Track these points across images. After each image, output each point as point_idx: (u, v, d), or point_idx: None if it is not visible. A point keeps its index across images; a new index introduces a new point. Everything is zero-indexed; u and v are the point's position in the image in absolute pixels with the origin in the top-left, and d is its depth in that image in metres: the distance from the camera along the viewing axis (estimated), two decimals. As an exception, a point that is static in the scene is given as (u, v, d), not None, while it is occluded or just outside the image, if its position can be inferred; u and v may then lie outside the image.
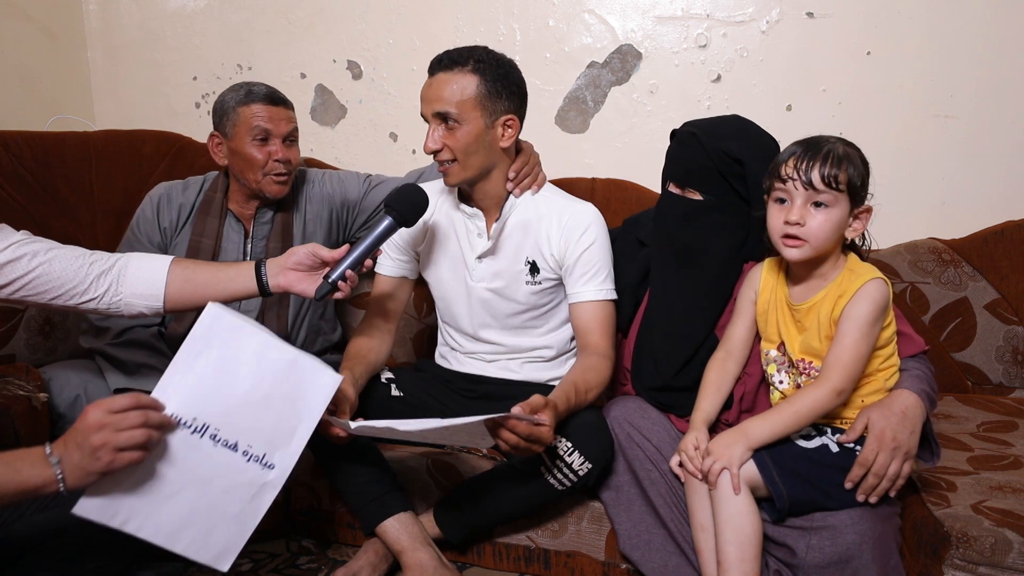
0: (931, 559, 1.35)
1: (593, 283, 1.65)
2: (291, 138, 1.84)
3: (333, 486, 1.72)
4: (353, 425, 1.39)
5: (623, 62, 2.40)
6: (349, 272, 1.44)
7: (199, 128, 2.72)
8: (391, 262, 1.77)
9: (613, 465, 1.58)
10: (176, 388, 1.15)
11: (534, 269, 1.69)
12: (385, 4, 2.53)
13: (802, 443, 1.40)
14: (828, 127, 2.25)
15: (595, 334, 1.63)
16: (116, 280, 1.41)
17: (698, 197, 1.56)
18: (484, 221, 1.69)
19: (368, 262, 1.48)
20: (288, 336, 1.95)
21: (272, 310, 1.91)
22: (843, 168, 1.32)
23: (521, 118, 1.63)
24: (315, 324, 2.03)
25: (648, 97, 2.40)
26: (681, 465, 1.46)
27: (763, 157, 1.49)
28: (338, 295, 1.45)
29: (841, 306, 1.35)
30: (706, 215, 1.56)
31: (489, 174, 1.64)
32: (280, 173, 1.82)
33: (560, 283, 1.71)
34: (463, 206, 1.70)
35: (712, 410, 1.50)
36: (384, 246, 1.67)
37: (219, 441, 1.18)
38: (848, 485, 1.35)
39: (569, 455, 1.49)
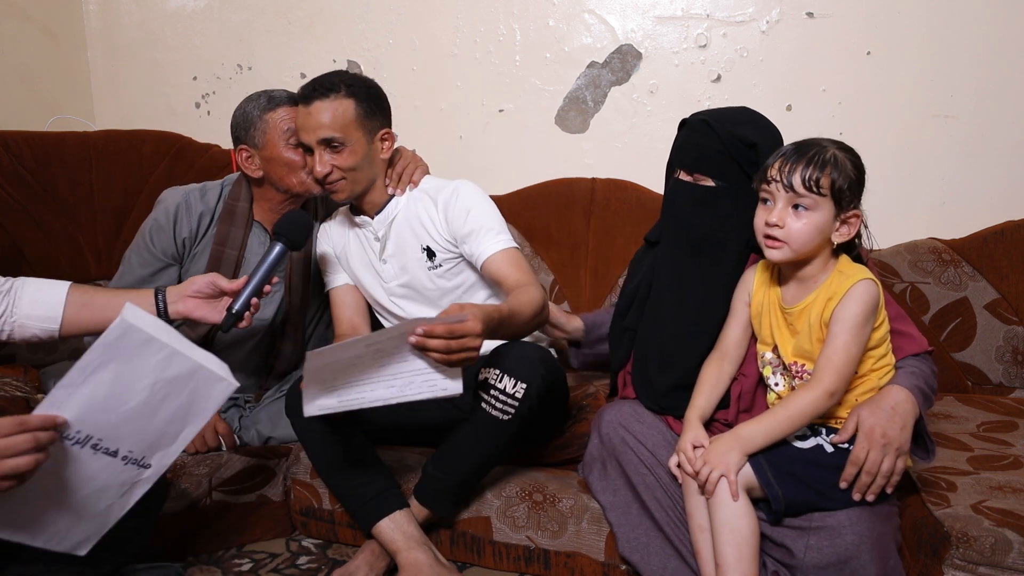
0: (931, 559, 1.35)
1: (488, 238, 1.70)
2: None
3: (329, 489, 1.72)
4: (307, 412, 1.38)
5: (623, 62, 2.40)
6: (253, 300, 1.55)
7: (199, 128, 2.72)
8: (334, 276, 1.88)
9: (609, 472, 1.58)
10: (65, 401, 1.11)
11: (431, 254, 1.76)
12: (385, 4, 2.53)
13: (797, 444, 1.40)
14: (828, 127, 2.26)
15: (511, 276, 1.67)
16: (13, 301, 1.41)
17: (710, 183, 1.55)
18: (373, 225, 1.79)
19: (267, 287, 1.57)
20: (301, 350, 1.96)
21: (293, 318, 1.93)
22: (826, 172, 1.32)
23: (391, 128, 1.75)
24: (323, 335, 2.05)
25: (648, 97, 2.40)
26: (680, 466, 1.45)
27: (773, 143, 1.52)
28: (242, 324, 1.55)
29: (831, 308, 1.34)
30: (719, 201, 1.56)
31: (374, 184, 1.74)
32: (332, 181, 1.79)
33: (461, 259, 1.77)
34: (354, 218, 1.81)
35: (707, 407, 1.49)
36: (323, 270, 1.87)
37: (99, 449, 1.15)
38: (843, 485, 1.35)
39: (500, 382, 1.50)
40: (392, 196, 1.78)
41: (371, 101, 1.68)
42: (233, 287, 1.53)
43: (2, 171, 2.09)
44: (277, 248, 1.59)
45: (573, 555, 1.64)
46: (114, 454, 1.17)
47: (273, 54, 2.66)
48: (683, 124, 1.61)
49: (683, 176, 1.59)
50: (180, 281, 1.81)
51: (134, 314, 1.18)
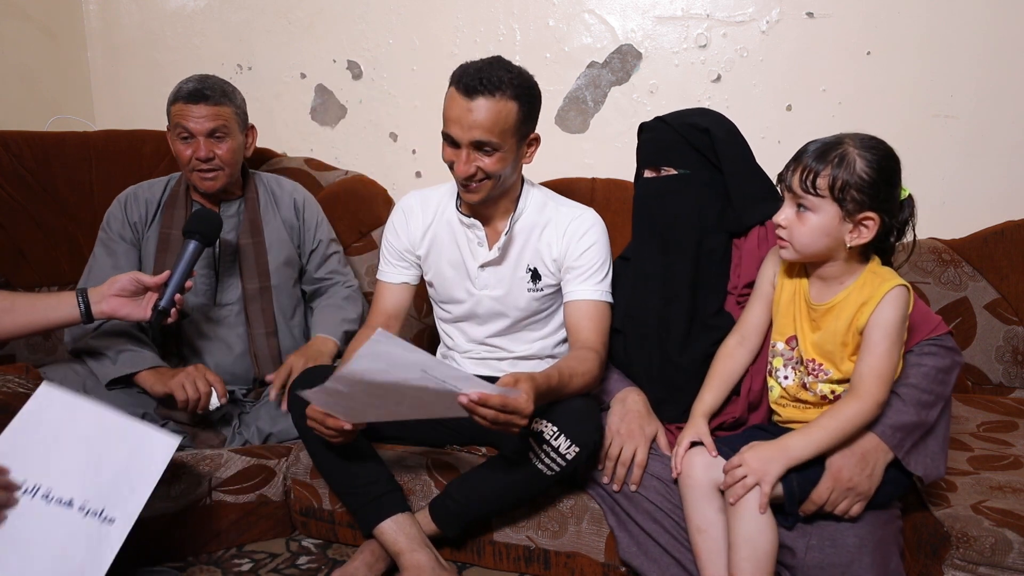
0: (931, 559, 1.35)
1: (589, 283, 1.66)
2: (218, 134, 1.83)
3: (331, 488, 1.72)
4: (308, 393, 1.35)
5: (623, 62, 2.40)
6: (177, 296, 1.62)
7: (199, 128, 2.71)
8: (393, 270, 1.79)
9: (605, 486, 1.59)
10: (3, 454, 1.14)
11: (535, 276, 1.70)
12: (385, 4, 2.53)
13: None
14: (828, 127, 2.24)
15: (584, 330, 1.63)
16: None
17: (674, 172, 1.60)
18: (483, 231, 1.70)
19: (189, 283, 1.66)
20: (275, 333, 1.98)
21: (255, 302, 1.95)
22: (824, 172, 1.28)
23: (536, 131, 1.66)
24: (300, 323, 2.08)
25: (648, 97, 2.40)
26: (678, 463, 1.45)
27: (726, 127, 1.60)
28: (169, 320, 1.62)
29: (866, 314, 1.30)
30: (684, 188, 1.58)
31: (506, 190, 1.66)
32: (203, 170, 1.84)
33: (559, 287, 1.72)
34: (460, 216, 1.71)
35: (714, 402, 1.48)
36: (384, 254, 1.79)
37: (52, 499, 1.15)
38: (802, 514, 1.35)
39: (555, 439, 1.48)
40: (516, 205, 1.68)
41: (532, 103, 1.57)
42: (155, 282, 1.61)
43: (2, 171, 2.09)
44: (191, 245, 1.67)
45: (573, 555, 1.63)
46: (69, 504, 1.17)
47: (273, 54, 2.66)
48: (641, 129, 1.67)
49: (648, 174, 1.64)
50: (140, 263, 1.92)
51: (52, 389, 1.23)
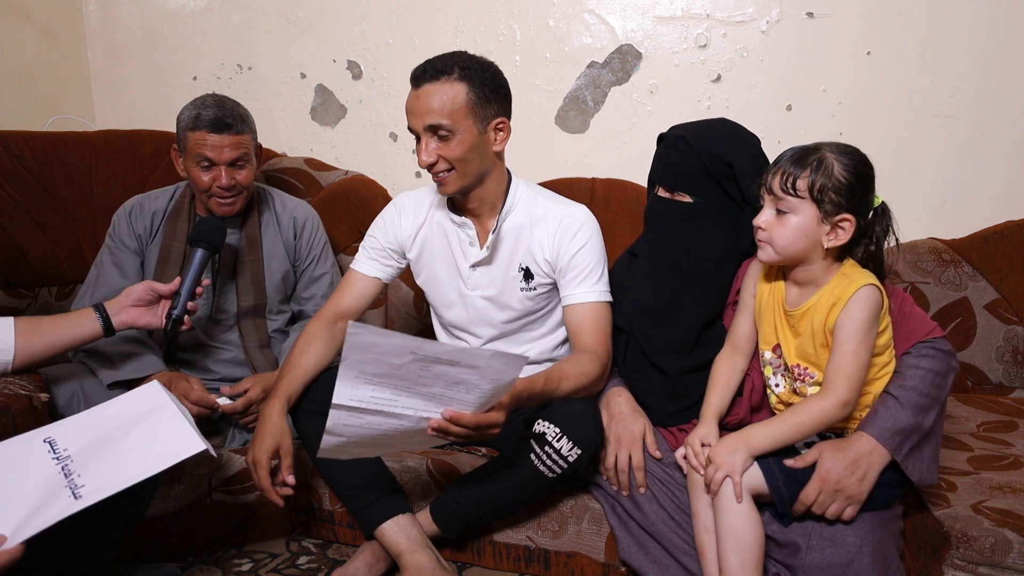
0: (931, 559, 1.35)
1: (586, 284, 1.65)
2: (239, 163, 1.83)
3: (332, 489, 1.72)
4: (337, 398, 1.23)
5: (623, 62, 2.40)
6: (190, 304, 1.64)
7: (199, 128, 2.71)
8: (369, 262, 1.76)
9: (602, 467, 1.59)
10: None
11: (528, 275, 1.69)
12: (385, 4, 2.53)
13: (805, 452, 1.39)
14: (828, 127, 2.26)
15: (585, 334, 1.63)
16: None
17: (688, 200, 1.57)
18: (475, 230, 1.69)
19: (200, 289, 1.67)
20: (269, 345, 1.99)
21: (248, 317, 1.96)
22: (804, 174, 1.31)
23: (510, 118, 1.63)
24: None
25: (648, 97, 2.40)
26: (686, 459, 1.45)
27: (752, 158, 1.54)
28: (183, 328, 1.64)
29: (835, 315, 1.33)
30: (697, 218, 1.56)
31: (484, 180, 1.63)
32: (224, 197, 1.84)
33: (555, 287, 1.71)
34: (452, 215, 1.70)
35: (721, 404, 1.49)
36: (364, 247, 1.78)
37: (57, 447, 1.26)
38: (794, 513, 1.37)
39: (557, 441, 1.48)
40: (504, 202, 1.66)
41: (486, 87, 1.55)
42: (169, 289, 1.64)
43: (2, 171, 2.09)
44: (199, 254, 1.70)
45: (573, 555, 1.64)
46: (66, 458, 1.24)
47: (273, 54, 2.66)
48: (661, 139, 1.62)
49: (662, 192, 1.60)
50: (143, 272, 1.92)
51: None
